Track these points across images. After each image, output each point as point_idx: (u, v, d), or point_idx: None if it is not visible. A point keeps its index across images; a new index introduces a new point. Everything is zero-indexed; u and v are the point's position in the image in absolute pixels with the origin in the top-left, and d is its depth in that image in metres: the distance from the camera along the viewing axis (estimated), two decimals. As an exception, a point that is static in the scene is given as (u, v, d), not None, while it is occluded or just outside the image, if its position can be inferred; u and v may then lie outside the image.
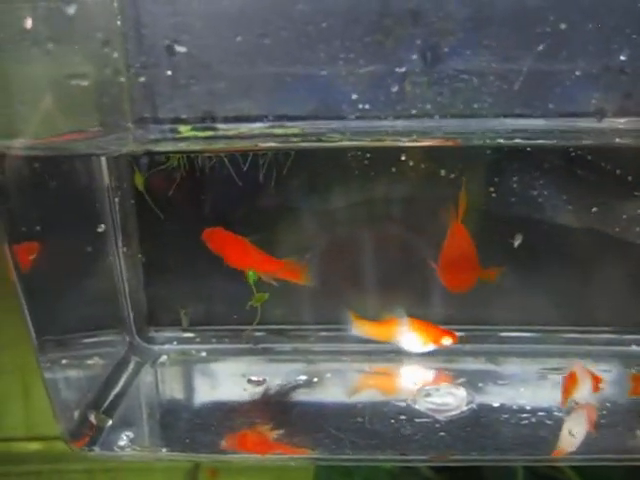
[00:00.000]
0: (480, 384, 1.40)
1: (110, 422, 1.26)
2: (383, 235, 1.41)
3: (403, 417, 1.29)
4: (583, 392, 1.30)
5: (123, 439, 1.22)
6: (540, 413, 1.33)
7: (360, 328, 1.36)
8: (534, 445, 1.24)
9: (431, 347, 1.38)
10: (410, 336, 1.37)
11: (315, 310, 1.46)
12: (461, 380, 1.40)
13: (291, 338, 1.45)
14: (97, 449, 1.20)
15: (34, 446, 1.92)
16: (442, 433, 1.27)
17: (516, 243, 1.42)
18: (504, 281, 1.44)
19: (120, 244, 1.39)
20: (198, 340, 1.45)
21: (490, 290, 1.47)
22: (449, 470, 1.69)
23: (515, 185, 1.42)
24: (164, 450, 1.22)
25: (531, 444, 1.24)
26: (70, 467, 1.90)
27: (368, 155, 1.37)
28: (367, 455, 1.22)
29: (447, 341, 1.37)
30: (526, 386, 1.41)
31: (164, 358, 1.44)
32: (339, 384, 1.40)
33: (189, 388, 1.40)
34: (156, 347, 1.46)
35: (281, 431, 1.27)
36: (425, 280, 1.41)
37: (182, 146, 1.07)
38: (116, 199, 1.36)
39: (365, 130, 1.18)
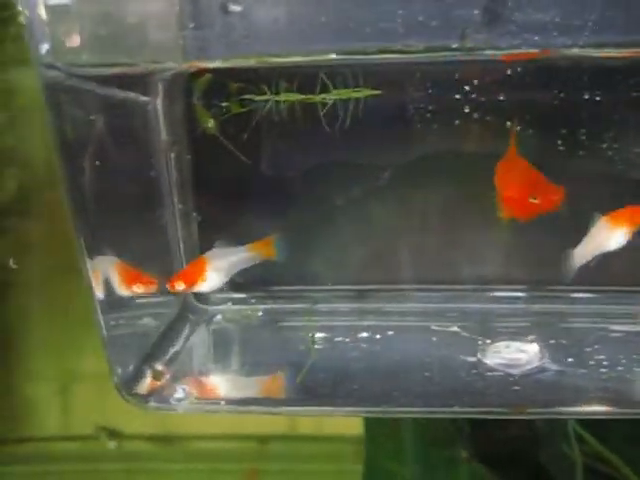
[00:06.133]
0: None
1: (167, 376, 1.18)
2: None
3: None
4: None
5: (179, 392, 1.15)
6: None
7: None
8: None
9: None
10: None
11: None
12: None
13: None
14: (153, 402, 1.13)
15: (71, 445, 1.87)
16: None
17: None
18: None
19: (176, 200, 1.33)
20: (253, 301, 1.38)
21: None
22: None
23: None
24: (222, 403, 1.15)
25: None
26: (107, 467, 1.84)
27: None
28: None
29: None
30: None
31: (219, 318, 1.37)
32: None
33: (242, 346, 1.33)
34: (211, 307, 1.39)
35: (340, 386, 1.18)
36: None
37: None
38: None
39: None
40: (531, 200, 1.20)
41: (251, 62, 1.14)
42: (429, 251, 1.39)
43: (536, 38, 1.12)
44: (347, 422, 1.87)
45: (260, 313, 1.39)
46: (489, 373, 1.23)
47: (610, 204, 1.36)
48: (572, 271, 1.25)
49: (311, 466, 1.85)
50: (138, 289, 1.15)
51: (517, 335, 1.33)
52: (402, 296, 1.38)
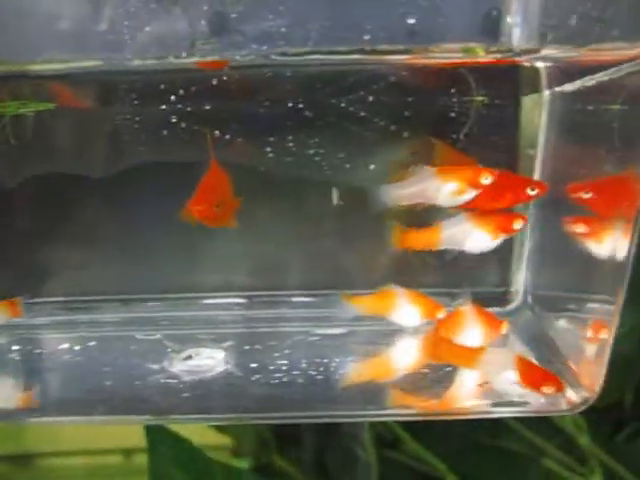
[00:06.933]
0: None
1: None
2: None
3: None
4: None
5: None
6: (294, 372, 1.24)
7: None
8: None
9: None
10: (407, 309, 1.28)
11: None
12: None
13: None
14: None
15: None
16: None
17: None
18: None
19: None
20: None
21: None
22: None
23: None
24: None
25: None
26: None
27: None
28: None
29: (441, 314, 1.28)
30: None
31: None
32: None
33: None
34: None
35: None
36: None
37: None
38: None
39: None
40: (215, 209, 1.22)
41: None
42: (142, 260, 1.41)
43: (264, 47, 1.14)
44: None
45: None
46: (168, 380, 1.25)
47: (318, 208, 1.38)
48: (377, 206, 1.23)
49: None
50: None
51: (217, 342, 1.35)
52: (117, 306, 1.41)
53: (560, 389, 1.11)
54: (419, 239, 1.26)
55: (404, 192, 1.21)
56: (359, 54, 1.01)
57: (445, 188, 1.17)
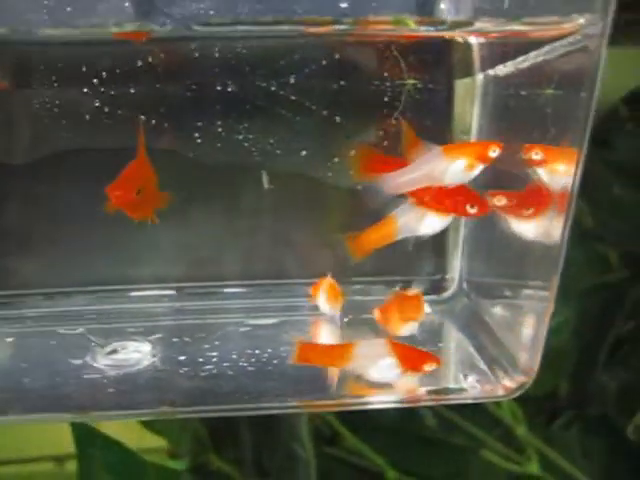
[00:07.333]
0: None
1: None
2: None
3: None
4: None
5: None
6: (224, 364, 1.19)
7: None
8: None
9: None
10: None
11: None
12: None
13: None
14: None
15: None
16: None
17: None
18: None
19: None
20: None
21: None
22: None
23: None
24: None
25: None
26: None
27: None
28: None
29: None
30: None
31: None
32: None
33: None
34: None
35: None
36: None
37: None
38: None
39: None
40: (135, 196, 1.16)
41: None
42: (66, 251, 1.35)
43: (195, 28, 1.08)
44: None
45: None
46: (91, 375, 1.18)
47: (250, 196, 1.33)
48: (376, 200, 1.14)
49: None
50: None
51: (144, 335, 1.29)
52: (39, 300, 1.34)
53: (439, 363, 1.10)
54: (376, 237, 1.19)
55: (408, 178, 1.13)
56: (286, 25, 0.96)
57: (454, 166, 1.10)
